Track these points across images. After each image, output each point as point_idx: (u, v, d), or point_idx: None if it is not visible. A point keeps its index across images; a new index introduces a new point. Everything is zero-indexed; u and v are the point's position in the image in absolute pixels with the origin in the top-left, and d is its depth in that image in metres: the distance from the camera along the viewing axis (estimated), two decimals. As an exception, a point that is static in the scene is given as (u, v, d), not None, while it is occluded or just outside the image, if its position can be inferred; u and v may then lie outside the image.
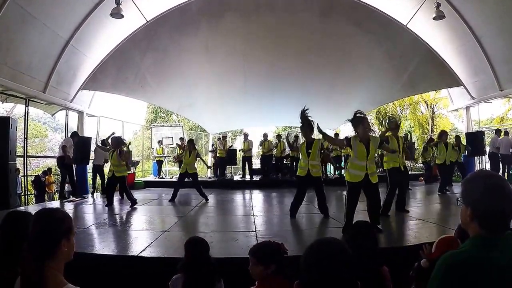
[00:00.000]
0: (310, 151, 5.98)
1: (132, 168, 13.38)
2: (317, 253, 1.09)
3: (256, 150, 15.95)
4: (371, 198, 4.89)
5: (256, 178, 13.41)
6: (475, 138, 11.92)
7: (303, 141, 6.43)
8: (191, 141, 9.40)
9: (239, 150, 14.07)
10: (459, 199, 1.25)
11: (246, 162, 13.62)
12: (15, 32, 8.08)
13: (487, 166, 14.76)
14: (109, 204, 7.79)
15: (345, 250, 1.09)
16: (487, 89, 11.97)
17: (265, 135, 13.56)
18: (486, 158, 12.51)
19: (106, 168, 9.81)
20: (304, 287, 1.08)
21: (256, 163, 15.27)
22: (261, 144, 13.30)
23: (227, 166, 14.35)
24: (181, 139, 14.64)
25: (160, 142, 15.21)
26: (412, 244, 4.00)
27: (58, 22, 9.03)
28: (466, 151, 10.72)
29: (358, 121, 4.77)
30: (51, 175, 13.03)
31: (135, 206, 7.58)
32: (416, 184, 11.85)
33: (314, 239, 1.14)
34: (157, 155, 15.14)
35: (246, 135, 14.09)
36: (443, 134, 9.38)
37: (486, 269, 1.07)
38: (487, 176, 1.21)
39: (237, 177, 14.38)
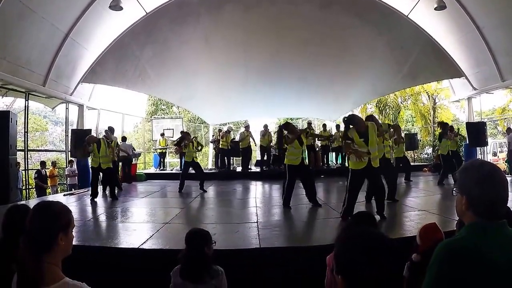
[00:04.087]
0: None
1: (134, 159, 13.38)
2: (363, 244, 1.03)
3: (258, 142, 15.92)
4: (373, 183, 5.07)
5: (257, 169, 13.39)
6: (477, 129, 11.91)
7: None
8: (187, 133, 9.42)
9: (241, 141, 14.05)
10: (454, 189, 1.27)
11: (248, 154, 13.61)
12: (14, 26, 8.01)
13: (489, 157, 14.76)
14: (95, 196, 7.78)
15: (390, 241, 1.05)
16: (488, 80, 11.88)
17: (266, 127, 13.53)
18: (487, 148, 12.45)
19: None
20: (349, 281, 1.03)
21: (257, 155, 15.25)
22: (262, 135, 13.26)
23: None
24: (182, 132, 14.59)
25: (162, 134, 15.19)
26: (413, 235, 3.99)
27: (57, 15, 8.96)
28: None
29: (347, 124, 4.98)
30: (55, 168, 12.98)
31: (117, 200, 7.70)
32: (421, 175, 11.87)
33: (342, 229, 1.11)
34: (160, 147, 15.13)
35: (247, 127, 14.05)
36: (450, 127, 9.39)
37: (481, 256, 1.10)
38: (481, 165, 1.24)
39: (239, 169, 14.38)
